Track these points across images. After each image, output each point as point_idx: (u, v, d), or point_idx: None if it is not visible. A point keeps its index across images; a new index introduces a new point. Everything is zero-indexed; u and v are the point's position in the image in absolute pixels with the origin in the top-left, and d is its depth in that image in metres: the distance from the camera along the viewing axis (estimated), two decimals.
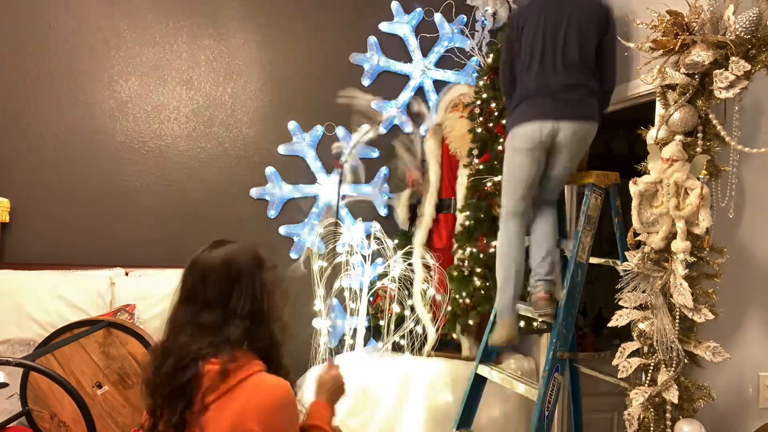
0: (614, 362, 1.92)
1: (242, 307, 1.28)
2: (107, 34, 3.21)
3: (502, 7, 3.29)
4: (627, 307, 1.89)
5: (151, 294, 2.96)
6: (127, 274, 3.06)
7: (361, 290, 3.06)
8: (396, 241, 3.22)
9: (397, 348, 2.97)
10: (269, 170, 3.36)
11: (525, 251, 2.34)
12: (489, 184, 2.83)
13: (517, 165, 2.27)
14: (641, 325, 1.84)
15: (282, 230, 3.39)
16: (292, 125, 3.40)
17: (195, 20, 3.31)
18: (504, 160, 2.33)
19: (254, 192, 3.36)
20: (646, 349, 1.87)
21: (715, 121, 1.79)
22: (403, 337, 2.95)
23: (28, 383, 2.00)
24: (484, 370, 2.39)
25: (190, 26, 3.31)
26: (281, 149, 3.40)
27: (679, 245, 1.78)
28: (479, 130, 2.94)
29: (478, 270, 2.84)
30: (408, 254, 3.08)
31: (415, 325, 2.95)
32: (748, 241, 2.05)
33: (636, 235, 1.90)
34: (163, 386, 1.23)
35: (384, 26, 3.51)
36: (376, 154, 3.50)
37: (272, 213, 3.39)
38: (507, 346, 2.45)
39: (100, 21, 3.20)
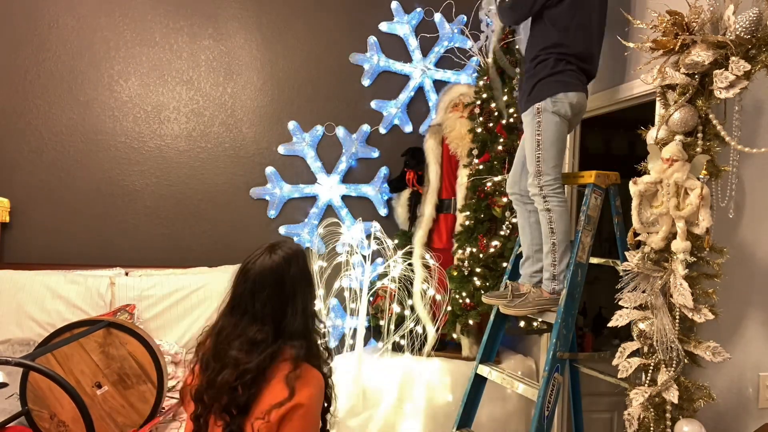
0: (614, 362, 1.92)
1: (294, 326, 1.32)
2: (107, 34, 3.21)
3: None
4: (627, 307, 1.89)
5: (151, 294, 2.96)
6: (127, 274, 3.06)
7: (361, 290, 3.05)
8: (396, 241, 3.22)
9: (397, 348, 2.97)
10: (269, 170, 3.36)
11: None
12: (489, 184, 2.83)
13: (563, 129, 2.19)
14: (641, 325, 1.84)
15: (282, 230, 3.39)
16: (292, 125, 3.40)
17: (195, 20, 3.31)
18: (543, 123, 2.17)
19: (254, 192, 3.37)
20: (646, 349, 1.86)
21: (715, 121, 1.79)
22: (403, 337, 2.95)
23: (28, 383, 2.00)
24: (484, 370, 2.39)
25: (190, 26, 3.31)
26: (281, 149, 3.40)
27: (679, 245, 1.78)
28: (479, 130, 2.94)
29: (478, 270, 2.84)
30: (408, 254, 3.08)
31: (415, 325, 2.95)
32: (748, 241, 2.05)
33: (636, 235, 1.90)
34: (218, 397, 1.25)
35: (384, 26, 3.51)
36: (376, 154, 3.51)
37: (272, 213, 3.39)
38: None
39: (100, 21, 3.20)
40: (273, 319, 1.30)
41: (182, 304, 3.00)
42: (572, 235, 2.31)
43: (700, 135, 1.83)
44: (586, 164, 2.79)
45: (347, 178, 3.48)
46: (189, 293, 3.02)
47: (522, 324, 2.71)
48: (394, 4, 3.50)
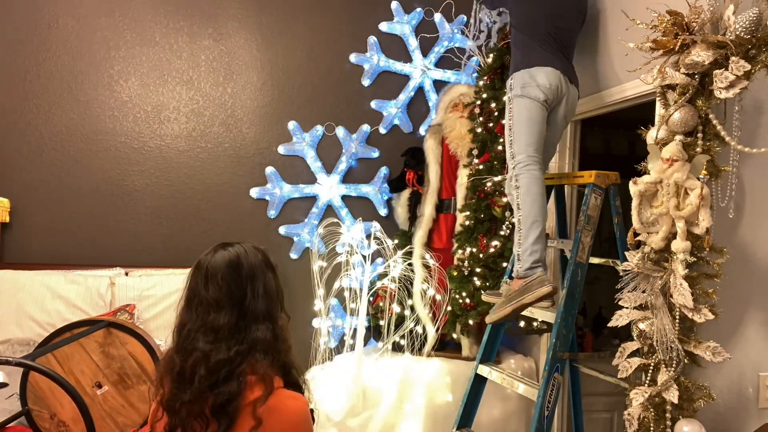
0: (614, 362, 1.92)
1: (258, 307, 1.25)
2: (107, 34, 3.22)
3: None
4: (627, 307, 1.89)
5: (151, 294, 2.96)
6: (127, 274, 3.06)
7: (361, 290, 3.06)
8: (396, 241, 3.22)
9: (397, 348, 2.98)
10: (269, 170, 3.36)
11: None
12: (489, 184, 2.83)
13: (534, 110, 2.16)
14: (641, 325, 1.84)
15: (282, 230, 3.39)
16: (292, 125, 3.40)
17: (195, 20, 3.31)
18: (514, 102, 2.18)
19: (254, 192, 3.37)
20: (646, 349, 1.87)
21: (715, 121, 1.79)
22: (403, 337, 2.95)
23: (28, 383, 2.00)
24: (484, 370, 2.39)
25: (189, 26, 3.31)
26: (281, 149, 3.40)
27: (679, 245, 1.78)
28: (479, 130, 2.94)
29: (478, 270, 2.84)
30: (408, 254, 3.08)
31: (415, 325, 2.95)
32: (748, 241, 2.05)
33: (636, 235, 1.90)
34: (196, 403, 1.16)
35: (384, 26, 3.51)
36: (376, 154, 3.50)
37: (272, 213, 3.39)
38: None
39: (99, 21, 3.20)
40: (231, 301, 1.23)
41: None
42: (572, 234, 2.31)
43: (700, 135, 1.83)
44: (586, 164, 2.80)
45: (347, 178, 3.48)
46: None
47: (522, 324, 2.71)
48: (394, 4, 3.50)
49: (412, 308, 2.99)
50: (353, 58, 3.48)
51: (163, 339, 2.86)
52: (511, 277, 2.33)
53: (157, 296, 2.97)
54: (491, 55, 3.01)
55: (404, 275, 3.03)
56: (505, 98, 2.24)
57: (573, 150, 2.87)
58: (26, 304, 2.76)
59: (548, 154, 2.39)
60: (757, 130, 2.03)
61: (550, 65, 2.21)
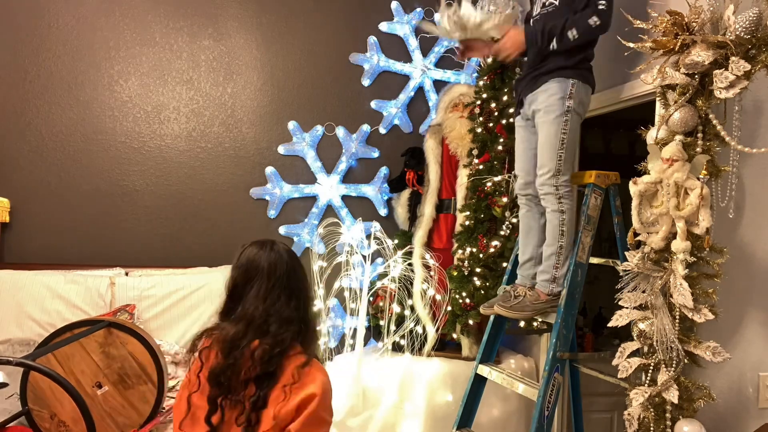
0: (614, 362, 1.92)
1: (308, 299, 1.48)
2: (107, 34, 3.21)
3: (506, 7, 3.28)
4: (627, 307, 1.89)
5: (151, 294, 2.96)
6: (127, 274, 3.06)
7: (361, 290, 3.06)
8: (396, 241, 3.22)
9: (397, 348, 2.97)
10: (269, 170, 3.36)
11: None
12: (489, 184, 2.83)
13: (575, 129, 2.16)
14: (641, 325, 1.84)
15: (282, 230, 3.39)
16: (292, 125, 3.40)
17: (195, 20, 3.31)
18: (572, 117, 2.12)
19: (254, 192, 3.37)
20: (646, 349, 1.87)
21: (715, 121, 1.79)
22: (403, 337, 2.95)
23: (28, 383, 2.00)
24: (484, 370, 2.39)
25: (189, 26, 3.31)
26: (281, 149, 3.40)
27: (679, 245, 1.78)
28: (479, 130, 2.94)
29: (478, 270, 2.83)
30: (408, 254, 3.08)
31: (415, 325, 2.95)
32: (748, 241, 2.05)
33: (636, 235, 1.90)
34: (251, 369, 1.34)
35: (384, 26, 3.51)
36: (376, 154, 3.51)
37: (272, 213, 3.39)
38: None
39: (99, 21, 3.20)
40: (295, 293, 1.44)
41: (182, 304, 3.00)
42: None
43: (700, 135, 1.83)
44: (586, 164, 2.80)
45: (347, 178, 3.48)
46: (189, 293, 3.02)
47: (522, 324, 2.71)
48: (393, 4, 3.50)
49: (412, 308, 2.99)
50: (353, 58, 3.48)
51: (164, 339, 2.86)
52: (509, 282, 2.39)
53: (157, 296, 2.97)
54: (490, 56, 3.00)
55: (404, 275, 3.03)
56: (554, 99, 2.11)
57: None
58: (26, 304, 2.76)
59: None
60: (757, 130, 2.03)
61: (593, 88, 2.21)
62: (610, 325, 1.93)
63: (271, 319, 1.38)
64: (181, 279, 3.06)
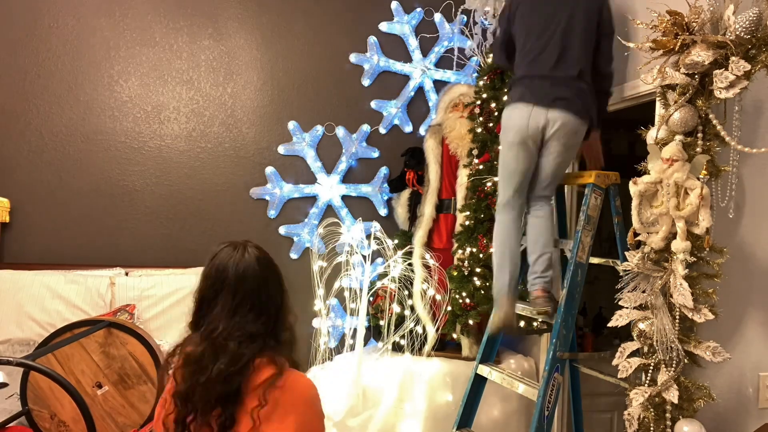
0: (614, 362, 1.92)
1: (278, 306, 1.35)
2: (107, 34, 3.21)
3: (500, 7, 3.29)
4: (627, 307, 1.89)
5: (151, 294, 2.96)
6: (127, 274, 3.06)
7: (361, 290, 3.06)
8: (396, 241, 3.22)
9: (397, 348, 2.97)
10: (269, 170, 3.36)
11: (519, 240, 2.34)
12: (489, 184, 2.83)
13: (508, 156, 2.29)
14: (641, 325, 1.84)
15: (282, 230, 3.39)
16: (292, 125, 3.40)
17: (195, 20, 3.31)
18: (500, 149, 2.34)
19: (254, 192, 3.37)
20: (646, 349, 1.87)
21: (715, 121, 1.79)
22: (403, 337, 2.95)
23: (29, 383, 2.00)
24: (484, 370, 2.39)
25: (189, 26, 3.31)
26: (281, 149, 3.40)
27: (679, 245, 1.78)
28: (479, 130, 2.94)
29: (478, 270, 2.84)
30: (408, 254, 3.08)
31: (415, 325, 2.95)
32: (748, 240, 2.05)
33: (636, 235, 1.90)
34: (209, 391, 1.25)
35: (384, 26, 3.51)
36: (376, 154, 3.51)
37: (272, 213, 3.39)
38: (505, 333, 2.41)
39: (100, 21, 3.20)
40: (260, 305, 1.32)
41: (182, 304, 2.99)
42: (572, 234, 2.31)
43: (700, 135, 1.83)
44: (585, 164, 2.79)
45: (347, 178, 3.48)
46: (189, 293, 2.99)
47: (522, 324, 2.71)
48: (393, 4, 3.50)
49: (412, 308, 2.99)
50: (353, 58, 3.48)
51: (164, 339, 2.86)
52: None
53: (157, 296, 2.97)
54: (491, 55, 3.01)
55: (404, 275, 3.03)
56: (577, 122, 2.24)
57: None
58: (26, 304, 2.76)
59: (545, 188, 2.34)
60: (757, 131, 2.03)
61: (522, 101, 2.22)
62: (610, 325, 1.93)
63: (232, 337, 1.28)
64: (180, 279, 3.05)
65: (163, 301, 2.98)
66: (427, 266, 3.03)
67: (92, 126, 3.20)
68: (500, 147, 2.35)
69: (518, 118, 2.22)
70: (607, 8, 2.27)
